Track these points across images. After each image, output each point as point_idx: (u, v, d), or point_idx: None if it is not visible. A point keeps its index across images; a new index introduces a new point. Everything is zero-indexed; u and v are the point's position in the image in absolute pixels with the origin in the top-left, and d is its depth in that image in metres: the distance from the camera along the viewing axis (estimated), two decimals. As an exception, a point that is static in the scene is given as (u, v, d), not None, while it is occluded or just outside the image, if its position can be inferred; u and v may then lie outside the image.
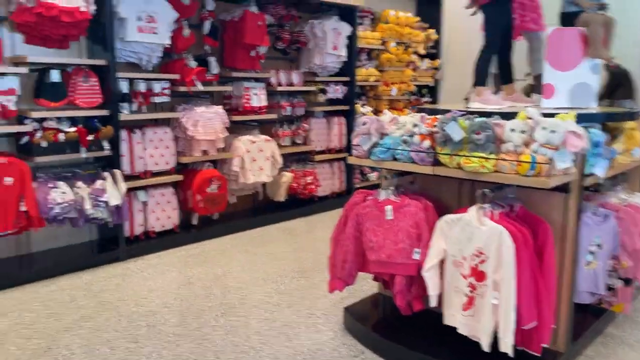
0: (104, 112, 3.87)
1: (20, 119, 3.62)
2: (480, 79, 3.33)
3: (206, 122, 4.45)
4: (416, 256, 2.53)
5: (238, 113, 4.85)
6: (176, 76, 4.30)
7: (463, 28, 5.81)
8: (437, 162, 2.47)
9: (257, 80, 4.98)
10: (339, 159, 5.81)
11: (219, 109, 4.58)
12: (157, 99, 4.23)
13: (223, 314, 3.16)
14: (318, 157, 5.60)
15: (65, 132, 3.68)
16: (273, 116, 5.14)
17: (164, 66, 4.47)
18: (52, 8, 3.46)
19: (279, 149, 5.05)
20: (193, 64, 4.39)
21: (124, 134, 4.05)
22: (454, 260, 2.40)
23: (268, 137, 4.98)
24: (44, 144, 3.57)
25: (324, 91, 5.56)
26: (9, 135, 3.69)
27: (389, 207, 2.59)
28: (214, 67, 4.60)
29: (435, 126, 2.49)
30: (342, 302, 3.25)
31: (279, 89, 5.17)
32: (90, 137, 3.77)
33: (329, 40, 5.33)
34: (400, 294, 2.61)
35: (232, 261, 4.10)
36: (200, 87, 4.43)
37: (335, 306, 3.25)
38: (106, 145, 3.87)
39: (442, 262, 2.45)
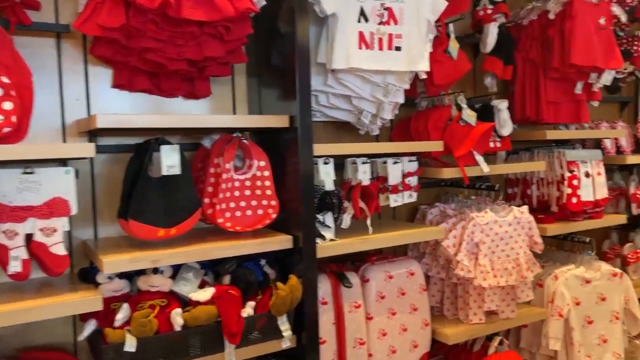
0: (285, 242, 1.57)
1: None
2: None
3: (497, 246, 1.94)
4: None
5: (548, 216, 2.26)
6: (436, 145, 1.87)
7: None
8: None
9: (585, 145, 2.37)
10: None
11: (522, 212, 2.02)
12: (394, 199, 1.85)
13: None
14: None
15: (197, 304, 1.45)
16: (619, 219, 2.44)
17: (397, 125, 2.12)
18: (160, -14, 1.32)
19: (636, 292, 2.30)
20: (469, 116, 1.96)
21: (323, 279, 1.70)
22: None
23: (614, 269, 2.26)
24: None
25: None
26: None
27: None
28: (505, 123, 2.11)
29: None
30: None
31: (631, 160, 2.47)
32: (247, 309, 1.50)
33: None
34: None
35: None
36: (485, 168, 1.97)
37: None
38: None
39: None
